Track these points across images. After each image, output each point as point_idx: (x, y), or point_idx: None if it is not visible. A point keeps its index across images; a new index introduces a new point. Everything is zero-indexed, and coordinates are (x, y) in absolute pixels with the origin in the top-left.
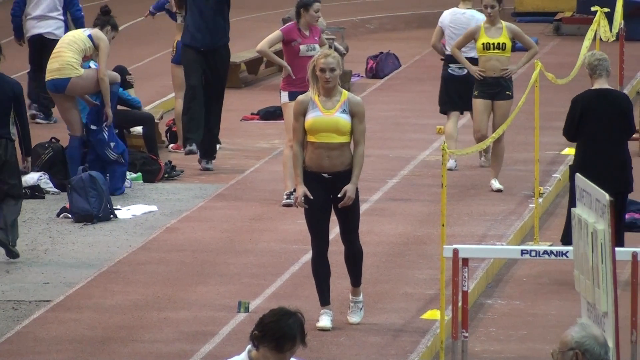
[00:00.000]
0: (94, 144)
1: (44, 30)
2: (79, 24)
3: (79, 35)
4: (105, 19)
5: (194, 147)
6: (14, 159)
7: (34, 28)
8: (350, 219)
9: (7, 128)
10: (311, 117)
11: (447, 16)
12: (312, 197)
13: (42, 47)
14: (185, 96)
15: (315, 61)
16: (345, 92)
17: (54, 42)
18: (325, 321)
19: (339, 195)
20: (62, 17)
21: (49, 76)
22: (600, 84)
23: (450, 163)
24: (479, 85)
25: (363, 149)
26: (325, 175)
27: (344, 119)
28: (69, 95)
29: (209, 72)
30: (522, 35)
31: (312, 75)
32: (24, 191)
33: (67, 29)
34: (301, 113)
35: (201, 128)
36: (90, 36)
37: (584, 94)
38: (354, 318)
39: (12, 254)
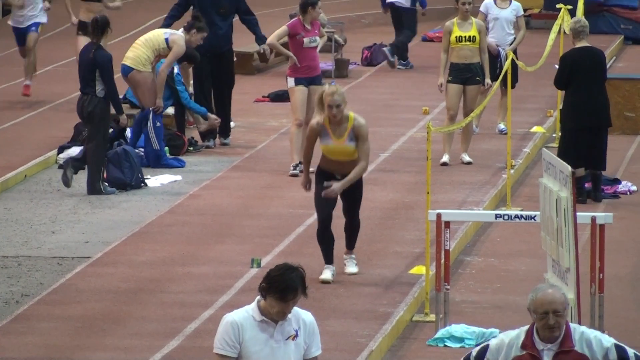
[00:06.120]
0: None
1: (395, 0)
2: None
3: (158, 37)
4: (191, 23)
5: (211, 142)
6: (97, 111)
7: None
8: (353, 203)
9: (94, 88)
10: (324, 144)
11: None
12: (308, 190)
13: (396, 14)
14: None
15: (323, 96)
16: (351, 116)
17: (406, 9)
18: (327, 274)
19: (324, 184)
20: None
21: (123, 60)
22: (583, 43)
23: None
24: (453, 71)
25: (365, 165)
26: (338, 177)
27: (352, 146)
28: (130, 80)
29: (217, 70)
30: (484, 35)
31: (318, 104)
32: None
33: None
34: (314, 138)
35: (215, 131)
36: (167, 40)
37: (571, 51)
38: (351, 268)
39: (67, 179)
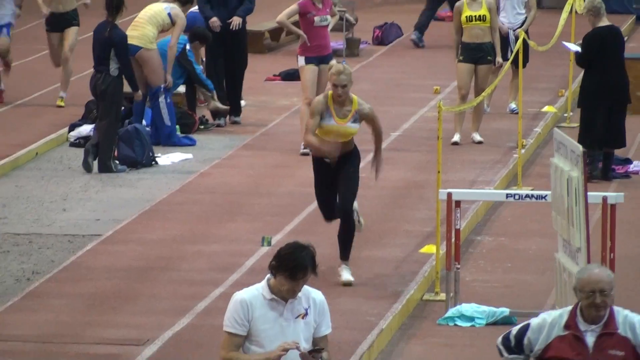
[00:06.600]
0: (151, 96)
1: None
2: None
3: (160, 12)
4: None
5: (222, 121)
6: (111, 89)
7: None
8: (349, 186)
9: (107, 66)
10: (326, 125)
11: None
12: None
13: None
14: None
15: (329, 74)
16: (355, 100)
17: None
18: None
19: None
20: None
21: (128, 40)
22: (604, 21)
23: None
24: (464, 51)
25: (381, 142)
26: (327, 160)
27: (354, 128)
28: (137, 59)
29: (230, 49)
30: (495, 13)
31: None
32: (78, 141)
33: None
34: (318, 113)
35: (226, 109)
36: (169, 14)
37: (598, 30)
38: (346, 276)
39: (88, 166)
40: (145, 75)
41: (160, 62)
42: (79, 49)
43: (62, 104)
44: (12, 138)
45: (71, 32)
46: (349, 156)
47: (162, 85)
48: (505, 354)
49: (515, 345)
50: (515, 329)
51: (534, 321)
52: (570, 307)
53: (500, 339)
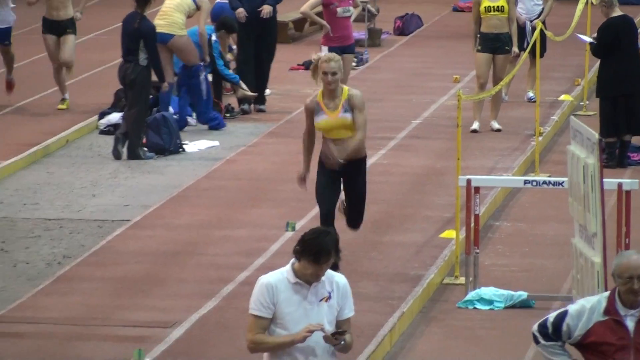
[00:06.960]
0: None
1: None
2: None
3: None
4: None
5: (246, 107)
6: (139, 79)
7: None
8: (358, 200)
9: (136, 56)
10: (319, 120)
11: None
12: (303, 184)
13: None
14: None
15: (318, 64)
16: (345, 89)
17: None
18: None
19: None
20: None
21: (157, 29)
22: (617, 12)
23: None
24: (482, 41)
25: (361, 137)
26: (340, 160)
27: (348, 118)
28: (169, 47)
29: (260, 38)
30: (513, 4)
31: (314, 73)
32: (108, 128)
33: None
34: (309, 115)
35: (253, 95)
36: (194, 0)
37: (612, 20)
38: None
39: (118, 153)
40: (182, 60)
41: (194, 45)
42: (107, 38)
43: (65, 106)
44: (43, 126)
45: (68, 42)
46: (360, 167)
47: (201, 63)
48: (542, 341)
49: (553, 332)
50: (552, 316)
51: (572, 308)
52: (607, 293)
53: (536, 326)
